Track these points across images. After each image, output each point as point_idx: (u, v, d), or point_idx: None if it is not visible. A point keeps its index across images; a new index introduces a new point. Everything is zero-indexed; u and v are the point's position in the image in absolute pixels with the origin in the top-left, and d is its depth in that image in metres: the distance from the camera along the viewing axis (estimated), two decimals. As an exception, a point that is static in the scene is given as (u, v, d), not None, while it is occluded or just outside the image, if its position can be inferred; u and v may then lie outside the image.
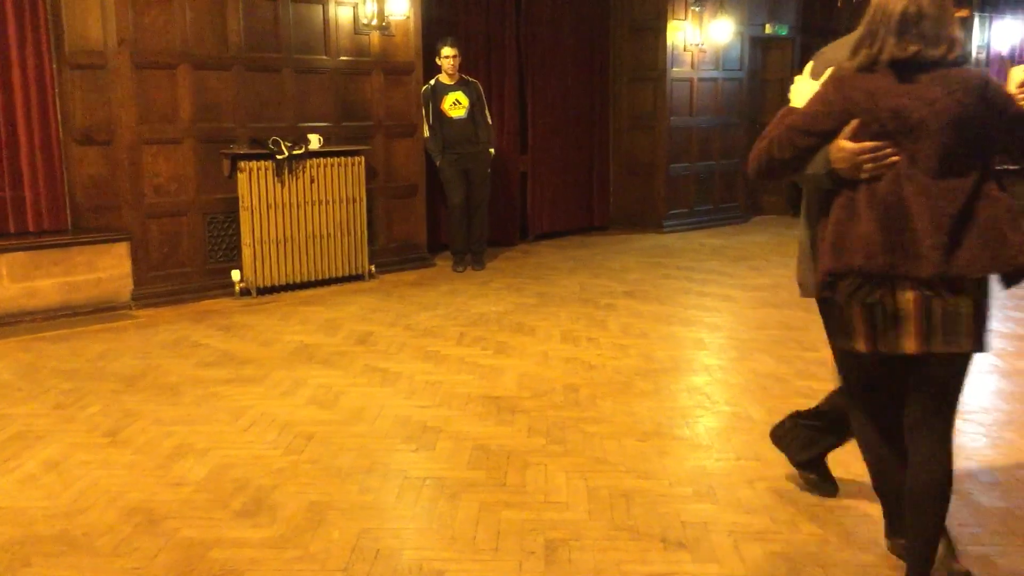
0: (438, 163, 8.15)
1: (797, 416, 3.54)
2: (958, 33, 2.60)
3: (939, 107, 2.47)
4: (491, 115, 8.39)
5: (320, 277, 7.49)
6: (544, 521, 3.35)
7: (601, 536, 3.23)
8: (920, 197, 2.47)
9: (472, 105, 8.11)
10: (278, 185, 7.17)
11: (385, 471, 3.83)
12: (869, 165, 2.51)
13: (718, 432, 4.27)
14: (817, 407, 3.48)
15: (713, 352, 5.62)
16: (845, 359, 2.83)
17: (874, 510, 3.29)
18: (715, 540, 3.20)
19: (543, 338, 5.91)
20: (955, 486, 2.76)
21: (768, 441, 3.66)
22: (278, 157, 7.09)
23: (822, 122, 2.58)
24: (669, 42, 10.14)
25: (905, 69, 2.52)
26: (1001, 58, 11.08)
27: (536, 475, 3.76)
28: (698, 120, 10.65)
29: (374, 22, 7.71)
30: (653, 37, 10.21)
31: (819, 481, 3.54)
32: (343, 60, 7.67)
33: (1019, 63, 11.09)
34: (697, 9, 10.27)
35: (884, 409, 2.81)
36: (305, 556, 3.12)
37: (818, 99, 2.63)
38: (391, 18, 7.78)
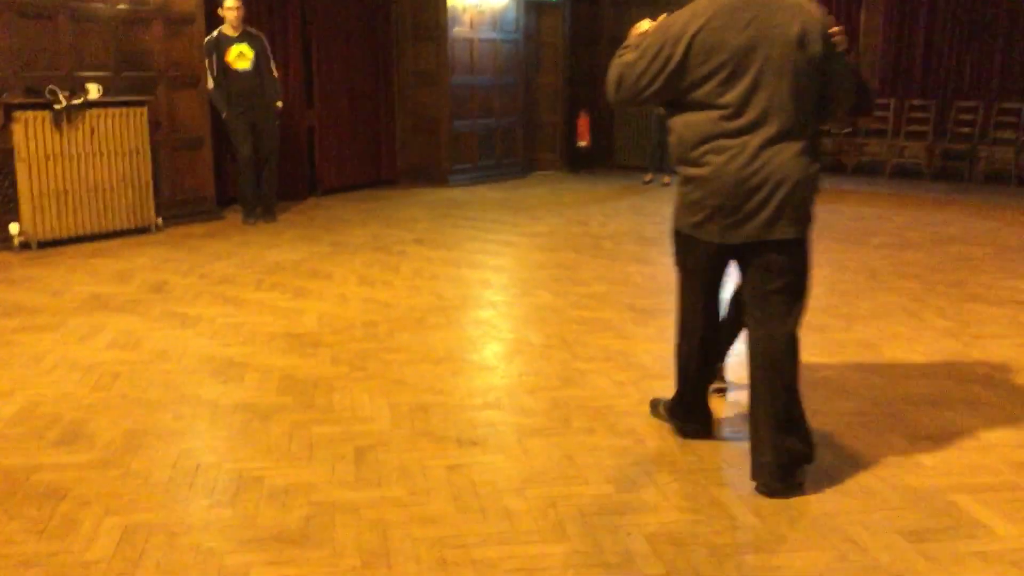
0: (224, 116, 8.16)
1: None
2: None
3: None
4: (276, 69, 8.48)
5: (105, 230, 7.39)
6: (352, 432, 3.72)
7: (404, 440, 3.65)
8: None
9: (257, 57, 8.16)
10: (56, 135, 6.99)
11: (196, 401, 4.06)
12: None
13: (503, 355, 4.78)
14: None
15: (497, 290, 6.13)
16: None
17: (628, 411, 3.91)
18: (502, 438, 3.69)
19: (340, 282, 6.22)
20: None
21: (546, 359, 4.19)
22: (55, 107, 6.91)
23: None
24: (449, 2, 10.53)
25: None
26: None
27: (342, 397, 4.11)
28: (479, 79, 11.14)
29: (153, -29, 7.61)
30: (434, -4, 10.57)
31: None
32: (121, 8, 7.52)
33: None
34: (475, -29, 10.71)
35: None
36: (128, 473, 3.34)
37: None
38: (172, -33, 7.70)
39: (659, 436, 3.71)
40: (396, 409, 3.97)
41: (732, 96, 3.10)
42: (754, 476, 3.27)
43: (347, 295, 5.87)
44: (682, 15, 3.16)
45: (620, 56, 3.32)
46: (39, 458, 3.44)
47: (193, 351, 4.74)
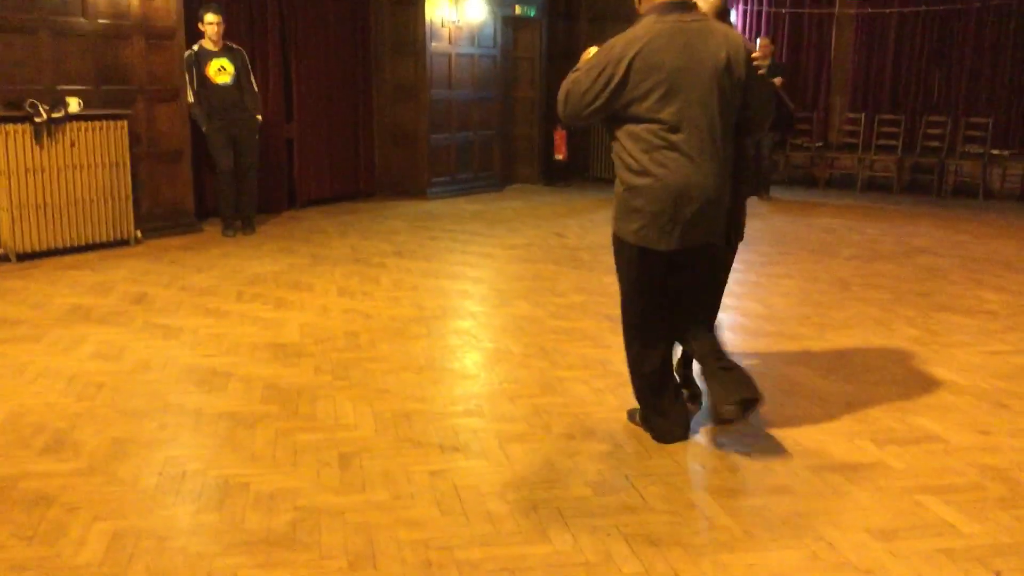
0: (204, 129, 8.21)
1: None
2: None
3: None
4: (256, 82, 8.54)
5: (84, 243, 7.40)
6: (336, 440, 3.78)
7: (387, 447, 3.72)
8: None
9: (238, 72, 8.23)
10: (37, 149, 7.01)
11: (180, 410, 4.10)
12: None
13: (483, 364, 4.85)
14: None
15: (477, 301, 6.22)
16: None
17: (606, 417, 4.01)
18: (484, 444, 3.77)
19: (320, 293, 6.27)
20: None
21: (526, 367, 4.27)
22: (36, 120, 6.93)
23: None
24: (428, 18, 10.64)
25: None
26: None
27: (325, 405, 4.18)
28: (457, 93, 11.24)
29: (134, -15, 7.66)
30: (413, 11, 10.67)
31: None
32: (102, 23, 7.56)
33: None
34: (453, -13, 10.83)
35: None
36: (114, 480, 3.38)
37: None
38: (152, -18, 7.76)
39: (637, 441, 3.80)
40: (379, 417, 4.04)
41: (668, 113, 3.42)
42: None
43: (328, 306, 5.93)
44: (623, 38, 3.48)
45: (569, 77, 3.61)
46: (26, 466, 3.48)
47: (176, 361, 4.78)
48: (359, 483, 3.39)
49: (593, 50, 3.59)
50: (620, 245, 3.70)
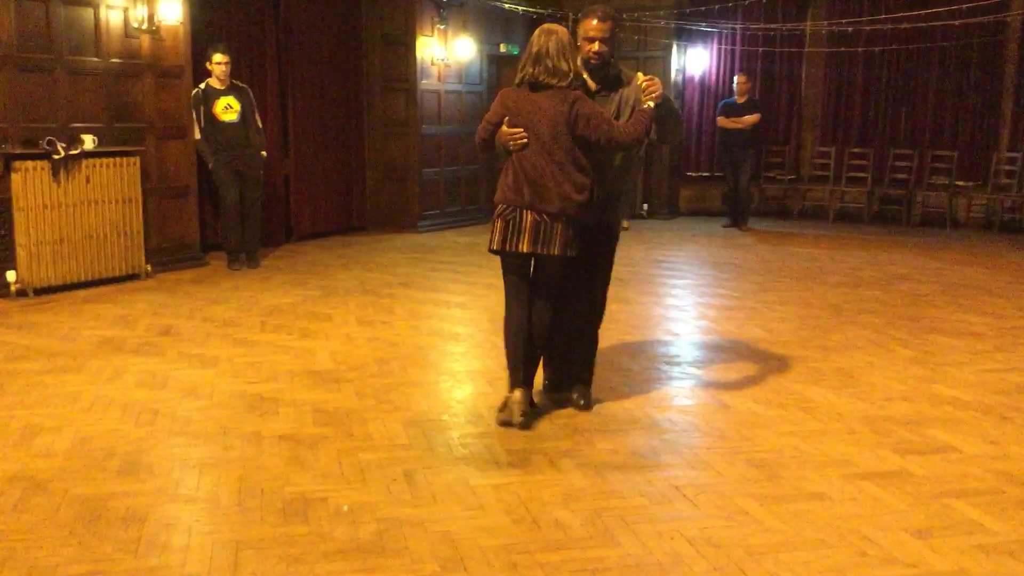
0: (211, 165, 8.41)
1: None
2: (571, 66, 4.20)
3: (546, 112, 4.16)
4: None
5: (97, 277, 7.54)
6: (396, 458, 4.00)
7: (445, 464, 3.94)
8: (542, 162, 4.19)
9: (244, 109, 8.45)
10: (53, 185, 7.16)
11: (240, 433, 4.29)
12: (512, 142, 4.23)
13: (515, 387, 5.09)
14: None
15: (493, 327, 6.42)
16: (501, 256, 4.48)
17: (643, 434, 4.27)
18: (534, 459, 4.00)
19: (340, 323, 6.48)
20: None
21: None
22: (55, 157, 7.09)
23: (493, 116, 4.35)
24: (418, 56, 10.96)
25: (533, 87, 4.20)
26: (695, 78, 12.97)
27: (377, 427, 4.39)
28: (445, 129, 11.55)
29: (144, 26, 7.87)
30: (404, 50, 10.98)
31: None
32: (114, 62, 7.76)
33: (717, 85, 12.90)
34: (442, 27, 11.17)
35: (518, 288, 4.47)
36: (196, 498, 3.57)
37: (494, 104, 4.40)
38: (163, 23, 7.97)
39: (677, 455, 4.07)
40: (430, 437, 4.27)
41: None
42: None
43: (352, 335, 6.14)
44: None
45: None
46: (108, 487, 3.65)
47: (221, 389, 4.96)
48: (429, 496, 3.61)
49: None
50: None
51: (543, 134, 4.18)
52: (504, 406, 4.43)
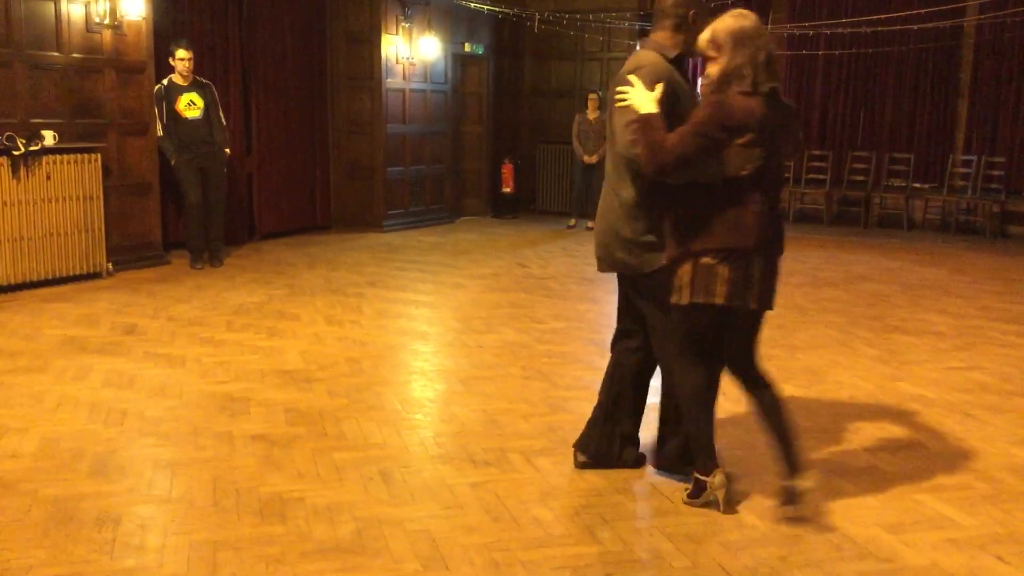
0: (173, 162, 8.29)
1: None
2: None
3: (792, 131, 3.35)
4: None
5: (57, 275, 7.40)
6: (371, 457, 3.98)
7: (422, 463, 3.93)
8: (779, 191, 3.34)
9: (207, 106, 8.34)
10: (13, 182, 7.02)
11: (211, 433, 4.24)
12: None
13: (488, 386, 5.07)
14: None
15: (463, 328, 6.44)
16: (688, 312, 3.42)
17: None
18: (511, 458, 4.01)
19: (308, 322, 6.43)
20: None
21: (528, 388, 4.55)
22: (14, 153, 6.94)
23: (723, 131, 3.17)
24: (383, 54, 10.90)
25: (770, 96, 3.23)
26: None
27: (350, 426, 4.36)
28: (410, 128, 11.51)
29: (106, 20, 7.73)
30: (369, 49, 10.92)
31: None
32: (75, 57, 7.62)
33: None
34: (407, 25, 11.12)
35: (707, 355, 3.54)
36: (172, 499, 3.52)
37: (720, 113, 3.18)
38: (125, 18, 7.84)
39: (653, 454, 4.10)
40: (405, 436, 4.25)
41: None
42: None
43: (320, 334, 6.09)
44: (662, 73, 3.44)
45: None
46: (79, 488, 3.59)
47: (190, 388, 4.90)
48: (407, 495, 3.60)
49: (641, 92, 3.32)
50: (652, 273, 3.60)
51: (786, 155, 3.42)
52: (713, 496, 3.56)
